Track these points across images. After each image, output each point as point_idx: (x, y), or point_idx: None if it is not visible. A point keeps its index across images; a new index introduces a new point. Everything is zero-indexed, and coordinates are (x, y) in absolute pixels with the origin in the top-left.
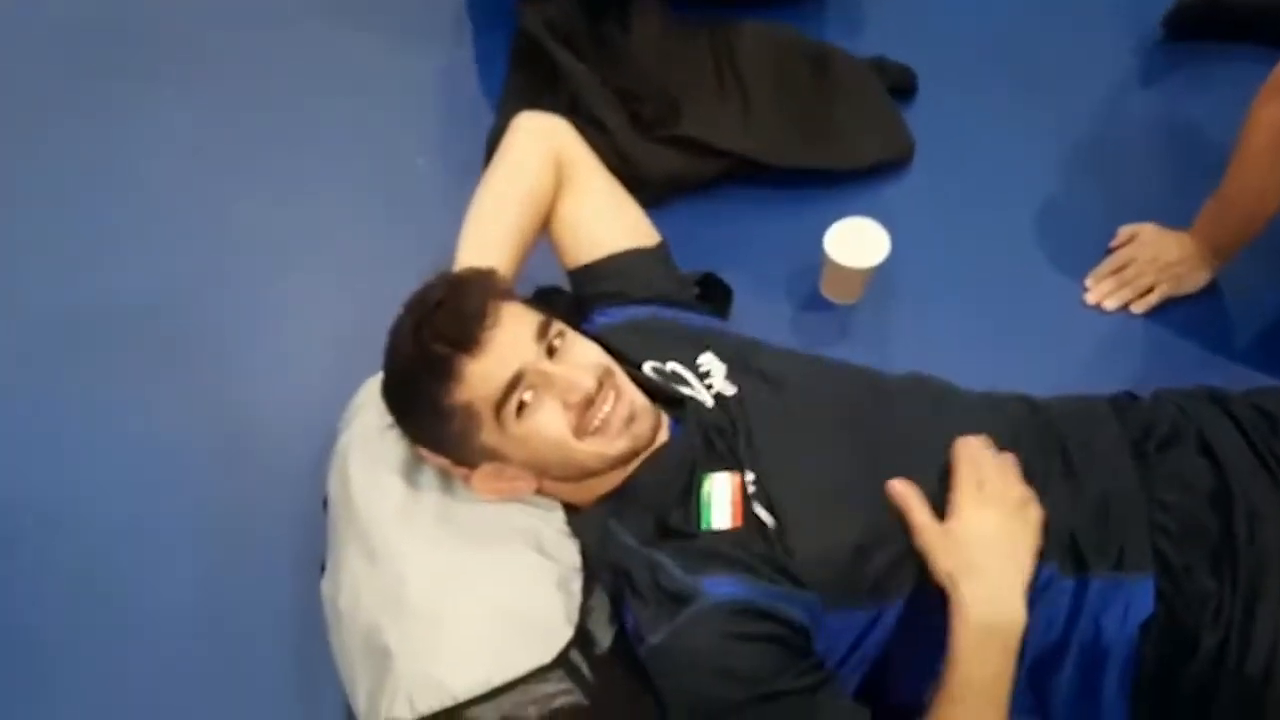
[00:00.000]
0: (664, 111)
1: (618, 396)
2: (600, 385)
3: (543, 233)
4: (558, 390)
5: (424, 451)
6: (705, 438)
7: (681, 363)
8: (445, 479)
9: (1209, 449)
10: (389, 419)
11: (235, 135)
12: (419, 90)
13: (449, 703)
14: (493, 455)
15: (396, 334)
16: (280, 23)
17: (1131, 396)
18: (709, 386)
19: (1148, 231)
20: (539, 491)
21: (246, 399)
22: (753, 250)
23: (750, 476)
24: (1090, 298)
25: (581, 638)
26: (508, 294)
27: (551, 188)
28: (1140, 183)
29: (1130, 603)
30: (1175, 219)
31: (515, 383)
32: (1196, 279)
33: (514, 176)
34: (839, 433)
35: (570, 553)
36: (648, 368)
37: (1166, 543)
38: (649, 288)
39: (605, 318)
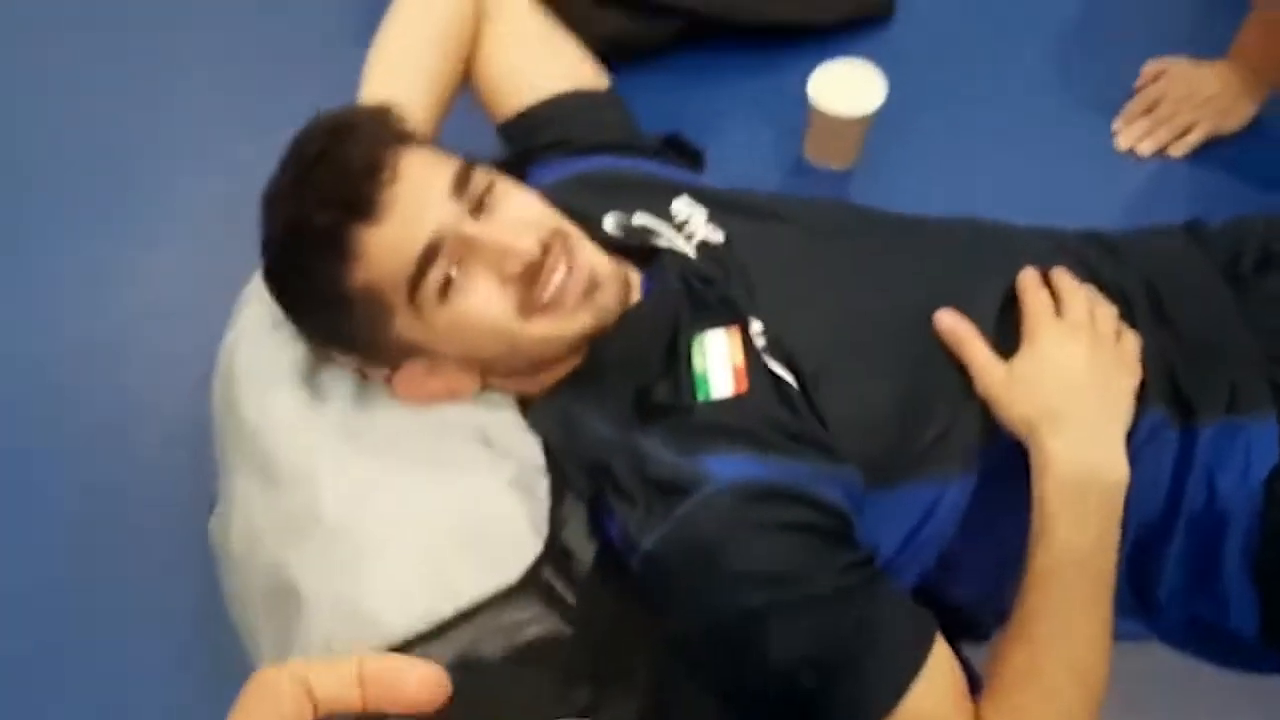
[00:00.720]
0: None
1: (571, 260)
2: (546, 248)
3: (463, 87)
4: (490, 259)
5: (327, 352)
6: (690, 291)
7: (650, 213)
8: (359, 379)
9: None
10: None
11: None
12: None
13: (381, 646)
14: (415, 350)
15: (271, 201)
16: None
17: (1201, 224)
18: (689, 236)
19: (1178, 66)
20: (483, 389)
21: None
22: (721, 116)
23: (757, 326)
24: (1122, 142)
25: (555, 552)
26: (411, 137)
27: (471, 20)
28: (1160, 13)
29: (1251, 451)
30: (1204, 52)
31: (431, 253)
32: (1240, 113)
33: (422, 9)
34: (865, 271)
35: (529, 448)
36: (608, 222)
37: None
38: (600, 133)
39: (548, 172)
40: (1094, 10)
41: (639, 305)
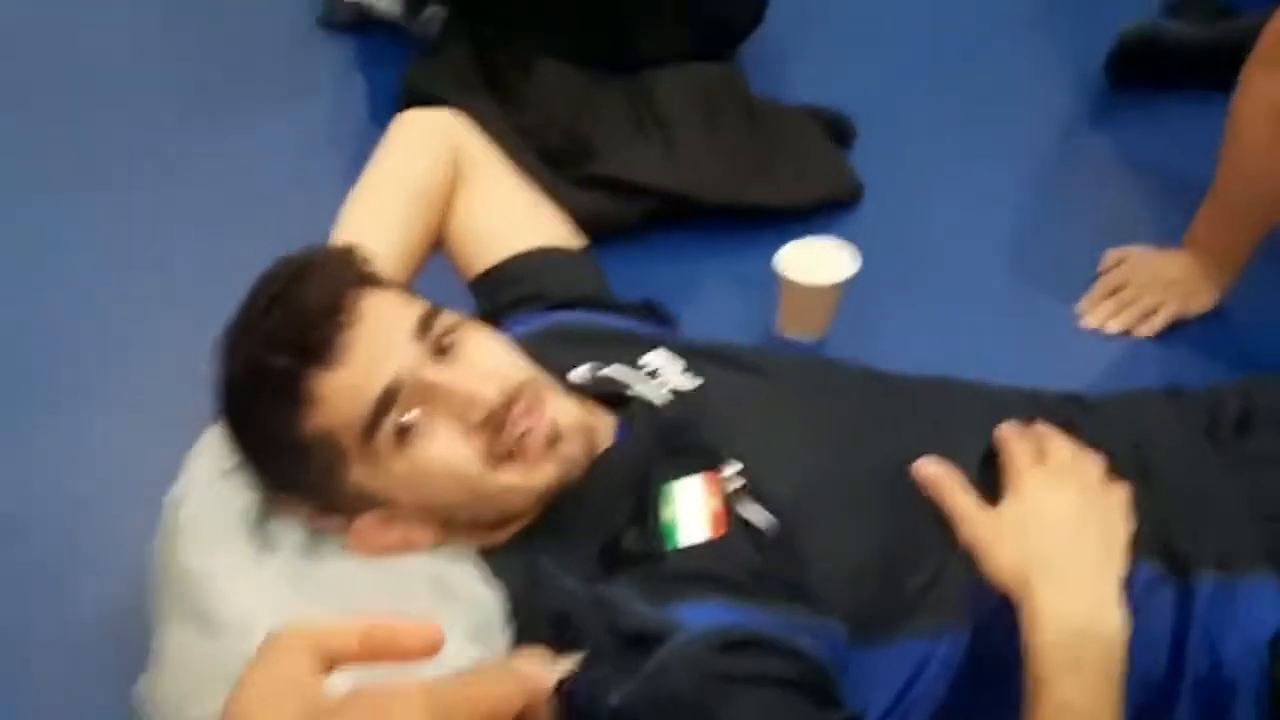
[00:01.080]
0: (575, 150)
1: (535, 410)
2: (511, 398)
3: (435, 247)
4: (452, 406)
5: (280, 499)
6: (662, 436)
7: (623, 365)
8: (309, 530)
9: None
10: (232, 460)
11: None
12: (299, 145)
13: None
14: (372, 500)
15: (227, 342)
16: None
17: (1178, 388)
18: (661, 385)
19: (1139, 253)
20: (442, 543)
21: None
22: (693, 292)
23: (733, 469)
24: (1089, 321)
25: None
26: (373, 279)
27: (446, 184)
28: (1110, 213)
29: (1252, 613)
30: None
31: (388, 398)
32: (1203, 298)
33: (399, 166)
34: (845, 423)
35: (489, 600)
36: (577, 374)
37: None
38: (575, 288)
39: (521, 327)
40: (1050, 197)
41: (607, 453)
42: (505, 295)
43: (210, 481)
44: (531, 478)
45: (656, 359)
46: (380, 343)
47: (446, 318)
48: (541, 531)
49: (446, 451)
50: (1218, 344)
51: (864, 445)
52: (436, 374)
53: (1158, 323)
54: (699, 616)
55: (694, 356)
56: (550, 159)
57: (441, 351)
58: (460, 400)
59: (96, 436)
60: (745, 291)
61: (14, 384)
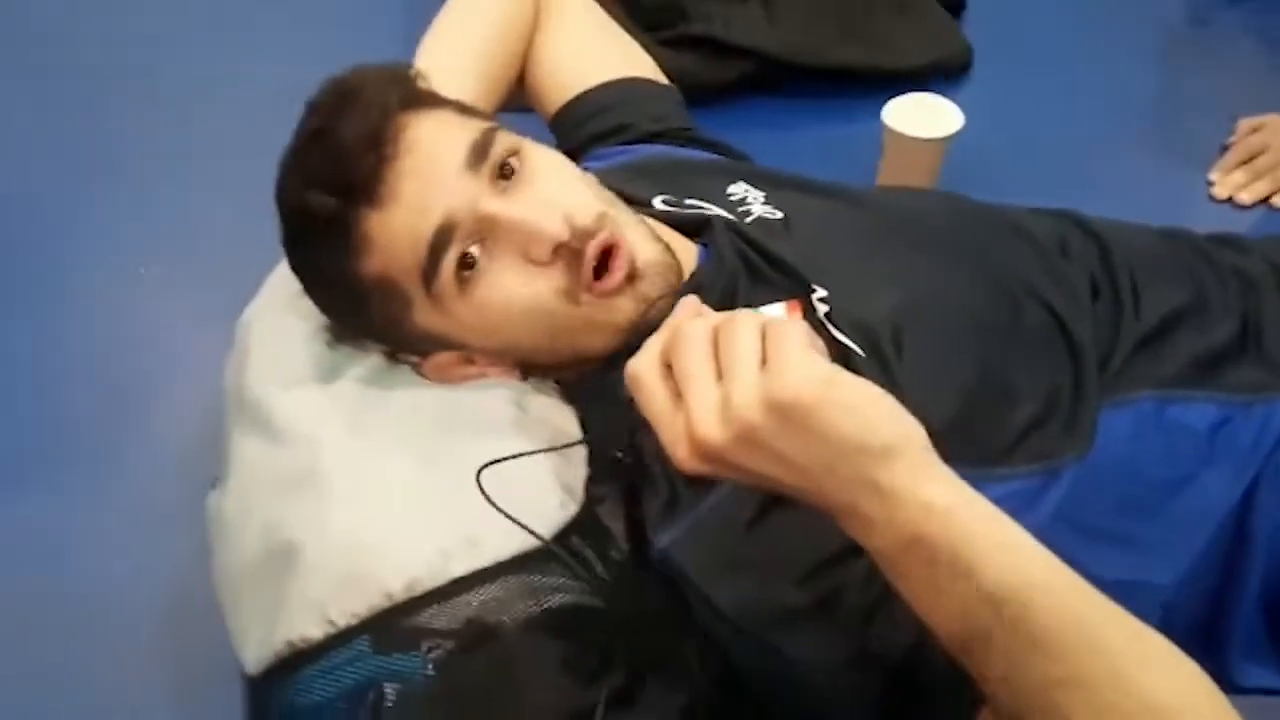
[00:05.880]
0: (667, 8)
1: (611, 246)
2: (585, 230)
3: (517, 89)
4: (515, 241)
5: (347, 335)
6: (745, 261)
7: (704, 197)
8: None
9: None
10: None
11: None
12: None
13: (383, 603)
14: (443, 343)
15: (280, 176)
16: None
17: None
18: (745, 215)
19: (1277, 120)
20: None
21: None
22: (790, 157)
23: (820, 294)
24: (1219, 191)
25: (588, 522)
26: (422, 99)
27: (527, 21)
28: (1238, 90)
29: None
30: None
31: (443, 238)
32: None
33: (478, 3)
34: (944, 249)
35: (568, 420)
36: (658, 201)
37: None
38: (660, 121)
39: (600, 162)
40: (1173, 72)
41: (692, 277)
42: (588, 128)
43: (280, 300)
44: (611, 312)
45: (742, 190)
46: (431, 175)
47: (506, 138)
48: (622, 359)
49: (515, 291)
50: None
51: (965, 271)
52: (495, 205)
53: None
54: None
55: (778, 187)
56: (642, 19)
57: (503, 178)
58: (523, 234)
59: None
60: (844, 160)
61: None
